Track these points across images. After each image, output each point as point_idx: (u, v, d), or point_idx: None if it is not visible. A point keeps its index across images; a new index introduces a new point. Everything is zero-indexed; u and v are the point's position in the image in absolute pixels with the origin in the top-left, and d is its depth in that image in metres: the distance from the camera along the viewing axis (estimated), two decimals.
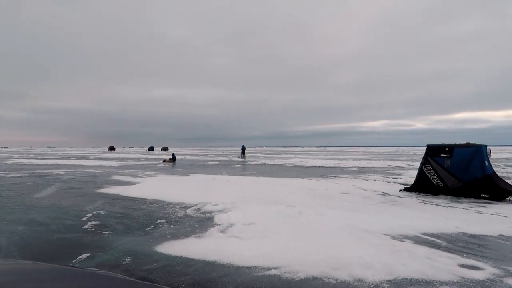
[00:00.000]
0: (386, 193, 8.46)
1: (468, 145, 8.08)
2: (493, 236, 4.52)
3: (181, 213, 5.81)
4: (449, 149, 8.21)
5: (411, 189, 8.84)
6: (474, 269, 3.24)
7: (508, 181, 8.66)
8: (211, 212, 5.86)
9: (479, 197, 7.65)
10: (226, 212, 5.68)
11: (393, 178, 12.62)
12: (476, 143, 8.11)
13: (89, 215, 5.62)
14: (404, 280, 2.95)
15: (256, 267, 3.24)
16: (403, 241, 4.16)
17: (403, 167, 18.73)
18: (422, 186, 8.61)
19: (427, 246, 3.97)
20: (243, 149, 31.03)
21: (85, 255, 3.58)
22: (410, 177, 12.08)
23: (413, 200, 7.57)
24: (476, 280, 2.98)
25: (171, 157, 25.60)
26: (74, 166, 18.64)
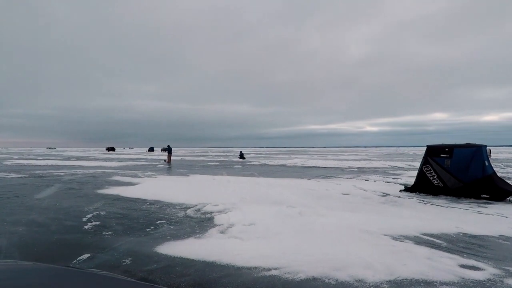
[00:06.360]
0: (386, 194, 8.45)
1: (468, 146, 8.08)
2: (493, 237, 4.52)
3: (181, 214, 5.81)
4: (449, 150, 8.22)
5: (411, 189, 8.84)
6: (475, 270, 3.24)
7: (508, 181, 8.66)
8: (211, 212, 5.85)
9: (479, 198, 7.65)
10: (226, 213, 5.68)
11: (393, 178, 12.62)
12: (476, 143, 8.12)
13: (89, 215, 5.62)
14: (404, 280, 2.95)
15: (256, 268, 3.24)
16: (403, 241, 4.16)
17: (403, 168, 18.72)
18: (422, 186, 8.61)
19: (427, 246, 3.97)
20: (241, 154, 34.21)
21: (85, 256, 3.58)
22: (410, 178, 12.08)
23: (413, 200, 7.57)
24: (476, 280, 2.98)
25: (166, 148, 24.23)
26: (74, 167, 18.63)
